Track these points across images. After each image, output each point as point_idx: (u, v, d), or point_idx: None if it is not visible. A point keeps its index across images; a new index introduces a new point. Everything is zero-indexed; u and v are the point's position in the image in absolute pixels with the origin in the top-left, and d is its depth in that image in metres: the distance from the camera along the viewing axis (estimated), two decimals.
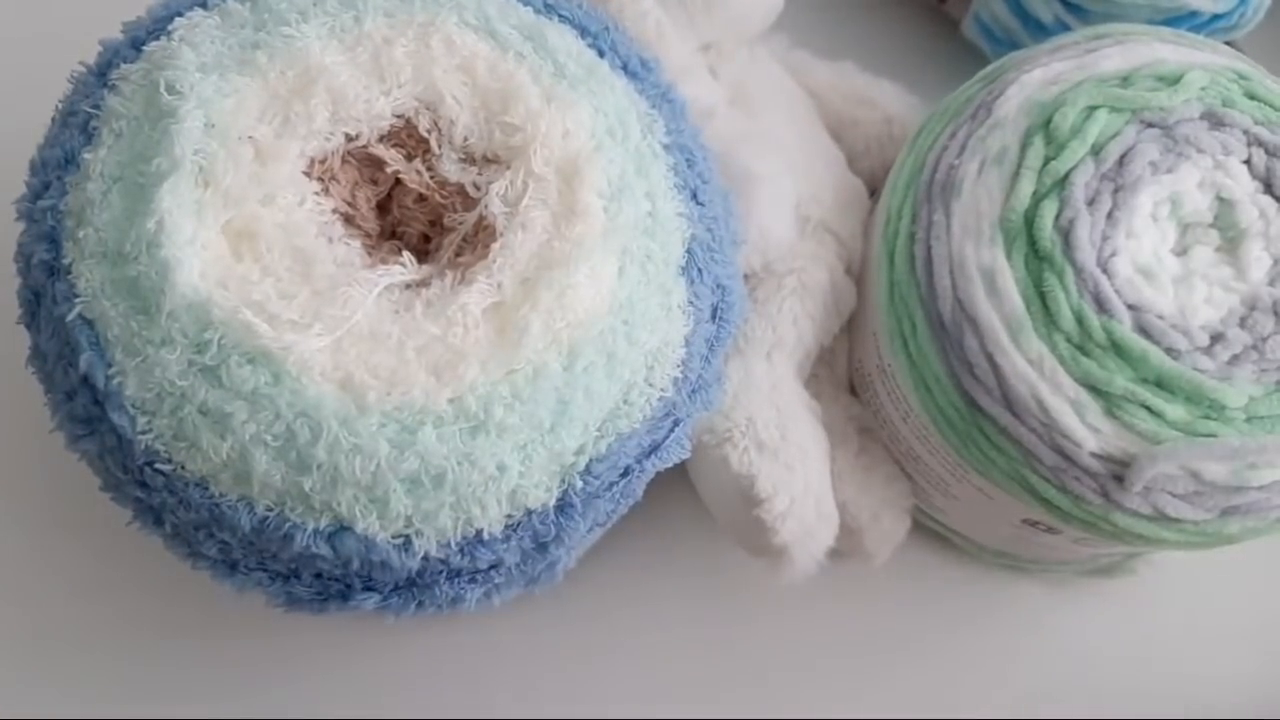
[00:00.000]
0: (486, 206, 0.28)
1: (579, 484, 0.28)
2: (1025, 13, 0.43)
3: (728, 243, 0.32)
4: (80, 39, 0.31)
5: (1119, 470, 0.31)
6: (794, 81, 0.43)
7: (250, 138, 0.27)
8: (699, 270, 0.30)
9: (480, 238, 0.29)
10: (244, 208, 0.27)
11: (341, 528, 0.26)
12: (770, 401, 0.35)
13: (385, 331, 0.26)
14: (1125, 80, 0.33)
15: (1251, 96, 0.33)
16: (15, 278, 0.29)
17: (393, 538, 0.27)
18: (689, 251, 0.30)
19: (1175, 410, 0.30)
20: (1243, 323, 0.31)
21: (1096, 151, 0.32)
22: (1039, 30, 0.43)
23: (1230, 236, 0.32)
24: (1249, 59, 0.35)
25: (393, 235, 0.32)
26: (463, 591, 0.29)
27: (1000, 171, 0.33)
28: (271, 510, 0.26)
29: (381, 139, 0.30)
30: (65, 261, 0.27)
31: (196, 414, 0.26)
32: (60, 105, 0.30)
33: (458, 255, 0.30)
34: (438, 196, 0.30)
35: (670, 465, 0.31)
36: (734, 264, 0.32)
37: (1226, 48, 0.36)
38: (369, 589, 0.29)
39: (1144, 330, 0.31)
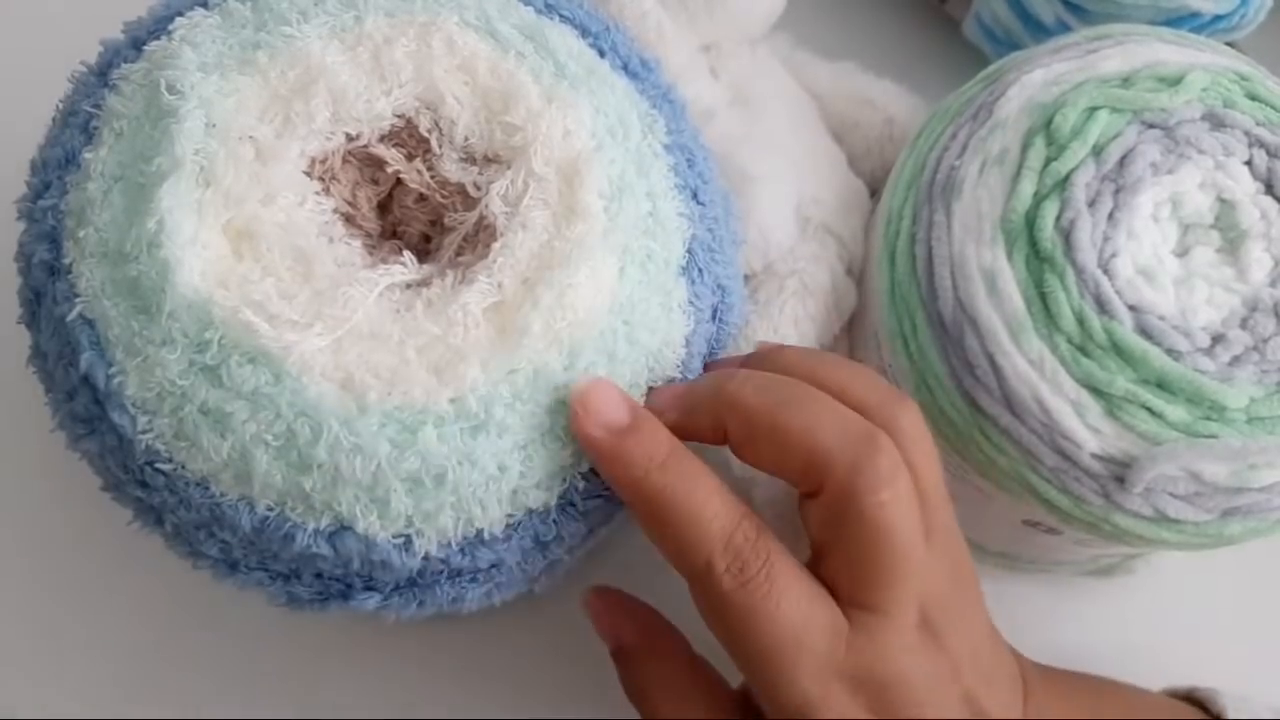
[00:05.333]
0: (487, 206, 0.28)
1: (580, 484, 0.28)
2: (1026, 13, 0.43)
3: (728, 243, 0.32)
4: (80, 39, 0.31)
5: (1120, 471, 0.31)
6: (795, 82, 0.43)
7: (251, 137, 0.27)
8: (699, 270, 0.30)
9: (481, 237, 0.29)
10: (244, 207, 0.27)
11: (342, 527, 0.26)
12: None
13: (386, 331, 0.26)
14: (1126, 81, 0.33)
15: (1252, 97, 0.33)
16: (15, 277, 0.29)
17: (393, 537, 0.27)
18: (689, 251, 0.30)
19: (1176, 411, 0.30)
20: (1244, 324, 0.31)
21: (1097, 152, 0.32)
22: (1040, 31, 0.43)
23: (1231, 237, 0.32)
24: (1250, 60, 0.35)
25: (393, 235, 0.32)
26: (463, 591, 0.29)
27: (1001, 172, 0.33)
28: (272, 510, 0.26)
29: (382, 139, 0.30)
30: (66, 261, 0.27)
31: (197, 414, 0.26)
32: (61, 105, 0.30)
33: (458, 255, 0.30)
34: (438, 196, 0.30)
35: None
36: (734, 264, 0.32)
37: (1227, 48, 0.36)
38: (370, 589, 0.29)
39: (1145, 331, 0.31)
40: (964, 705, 0.28)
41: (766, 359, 0.30)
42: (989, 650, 0.29)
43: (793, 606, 0.26)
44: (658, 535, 0.27)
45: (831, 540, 0.27)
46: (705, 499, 0.26)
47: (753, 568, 0.26)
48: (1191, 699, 0.33)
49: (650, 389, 0.29)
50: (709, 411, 0.28)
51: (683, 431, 0.28)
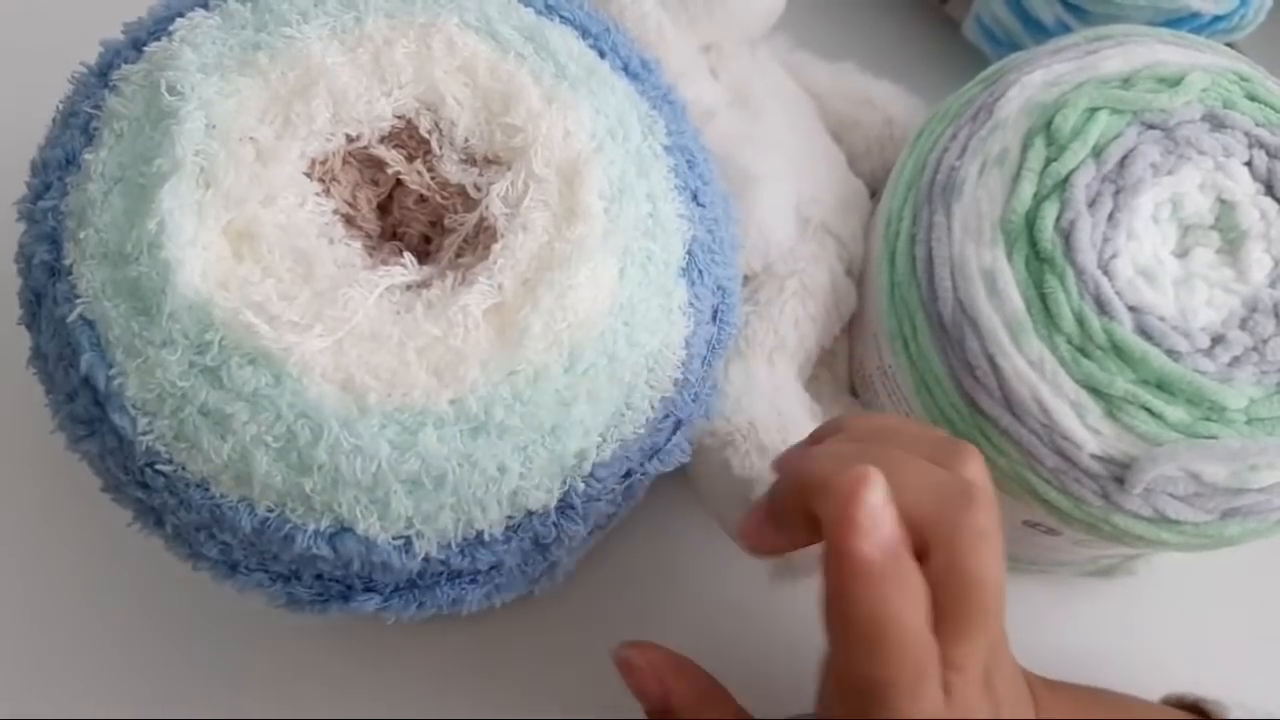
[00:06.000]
0: (487, 207, 0.28)
1: (580, 486, 0.28)
2: (1026, 14, 0.43)
3: (728, 244, 0.32)
4: (81, 39, 0.31)
5: (1119, 472, 0.31)
6: (795, 82, 0.43)
7: (251, 138, 0.27)
8: (700, 272, 0.30)
9: (481, 239, 0.29)
10: (245, 209, 0.27)
11: (342, 529, 0.26)
12: (772, 405, 0.35)
13: (386, 332, 0.26)
14: (1126, 82, 0.33)
15: (1252, 98, 0.33)
16: (16, 279, 0.29)
17: (393, 539, 0.27)
18: (689, 253, 0.30)
19: (1176, 412, 0.30)
20: (1243, 324, 0.31)
21: (1097, 153, 0.32)
22: (1040, 31, 0.43)
23: (1231, 238, 0.32)
24: (1250, 61, 0.35)
25: (393, 236, 0.32)
26: (463, 593, 0.29)
27: (1001, 173, 0.33)
28: (272, 511, 0.26)
29: (382, 140, 0.30)
30: (66, 262, 0.27)
31: (197, 415, 0.26)
32: (61, 106, 0.30)
33: (458, 256, 0.30)
34: (438, 197, 0.30)
35: (671, 468, 0.31)
36: (734, 265, 0.32)
37: (1227, 49, 0.36)
38: (370, 590, 0.29)
39: (1145, 332, 0.31)
40: None
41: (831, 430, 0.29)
42: (1013, 676, 0.29)
43: (930, 704, 0.25)
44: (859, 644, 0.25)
45: (935, 597, 0.26)
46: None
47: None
48: (1198, 709, 0.33)
49: (662, 398, 0.29)
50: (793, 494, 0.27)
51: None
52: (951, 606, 0.26)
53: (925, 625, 0.25)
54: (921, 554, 0.26)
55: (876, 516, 0.24)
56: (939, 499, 0.26)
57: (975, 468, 0.27)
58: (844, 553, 0.24)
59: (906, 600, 0.25)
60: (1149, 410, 0.31)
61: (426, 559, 0.27)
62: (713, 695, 0.31)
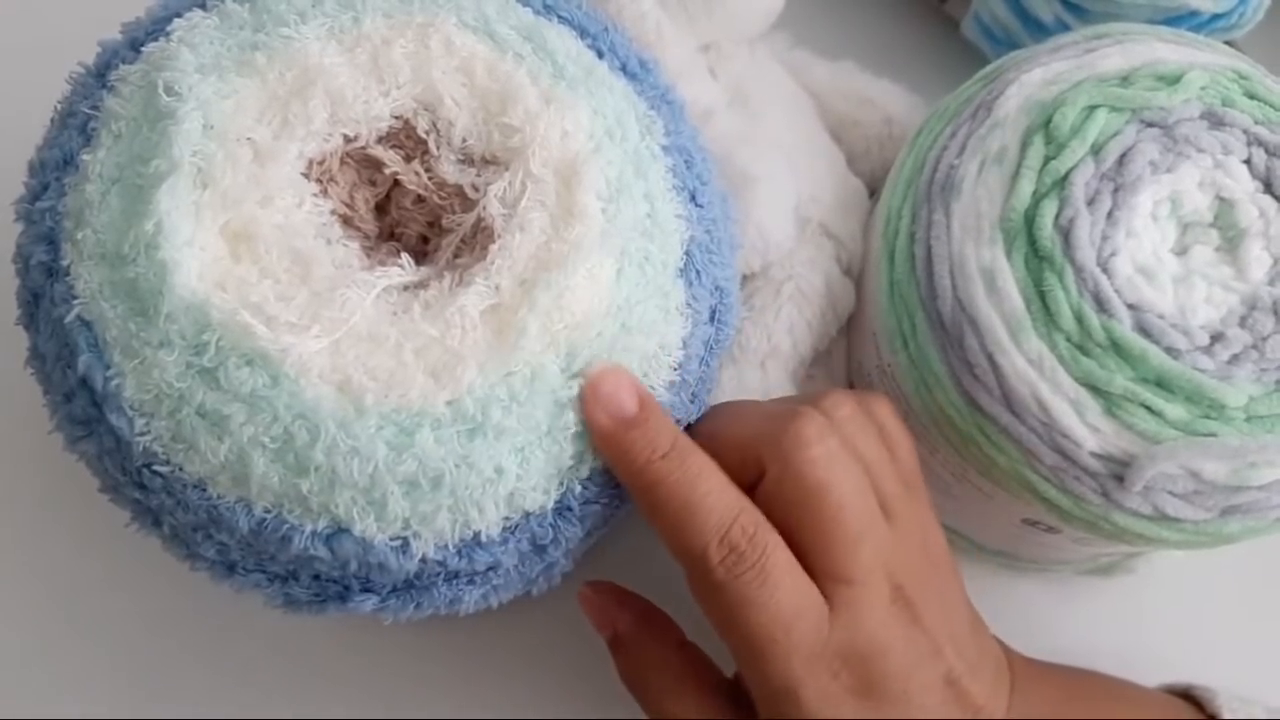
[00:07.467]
0: (485, 208, 0.28)
1: (577, 488, 0.28)
2: (1025, 12, 0.43)
3: (726, 245, 0.32)
4: (79, 39, 0.31)
5: (1119, 470, 0.31)
6: (794, 81, 0.43)
7: (249, 139, 0.27)
8: (697, 272, 0.30)
9: (478, 239, 0.29)
10: (242, 209, 0.27)
11: (339, 529, 0.26)
12: None
13: (383, 333, 0.26)
14: (1125, 80, 0.33)
15: (1251, 96, 0.33)
16: (14, 279, 0.29)
17: (390, 539, 0.27)
18: (687, 253, 0.30)
19: (1175, 410, 0.30)
20: (1243, 322, 0.31)
21: (1096, 151, 0.32)
22: (1039, 30, 0.43)
23: (1230, 236, 0.32)
24: (1249, 59, 0.35)
25: (391, 236, 0.32)
26: (460, 593, 0.29)
27: (1000, 171, 0.33)
28: (269, 512, 0.26)
29: (380, 140, 0.30)
30: (64, 263, 0.27)
31: (195, 416, 0.26)
32: (59, 106, 0.30)
33: (456, 257, 0.30)
34: (436, 198, 0.30)
35: None
36: (732, 266, 0.32)
37: (1226, 47, 0.36)
38: (367, 590, 0.29)
39: (1144, 330, 0.31)
40: (946, 686, 0.28)
41: None
42: (970, 635, 0.30)
43: (786, 597, 0.26)
44: (658, 524, 0.28)
45: (785, 518, 0.27)
46: (705, 492, 0.27)
47: (748, 560, 0.27)
48: (1188, 696, 0.33)
49: (660, 399, 0.29)
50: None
51: None
52: (800, 515, 0.27)
53: (727, 488, 0.27)
54: (760, 473, 0.28)
55: (612, 388, 0.27)
56: (767, 419, 0.27)
57: (832, 400, 0.29)
58: (595, 432, 0.27)
59: (700, 471, 0.27)
60: (1148, 408, 0.30)
61: (424, 560, 0.27)
62: (652, 619, 0.33)
